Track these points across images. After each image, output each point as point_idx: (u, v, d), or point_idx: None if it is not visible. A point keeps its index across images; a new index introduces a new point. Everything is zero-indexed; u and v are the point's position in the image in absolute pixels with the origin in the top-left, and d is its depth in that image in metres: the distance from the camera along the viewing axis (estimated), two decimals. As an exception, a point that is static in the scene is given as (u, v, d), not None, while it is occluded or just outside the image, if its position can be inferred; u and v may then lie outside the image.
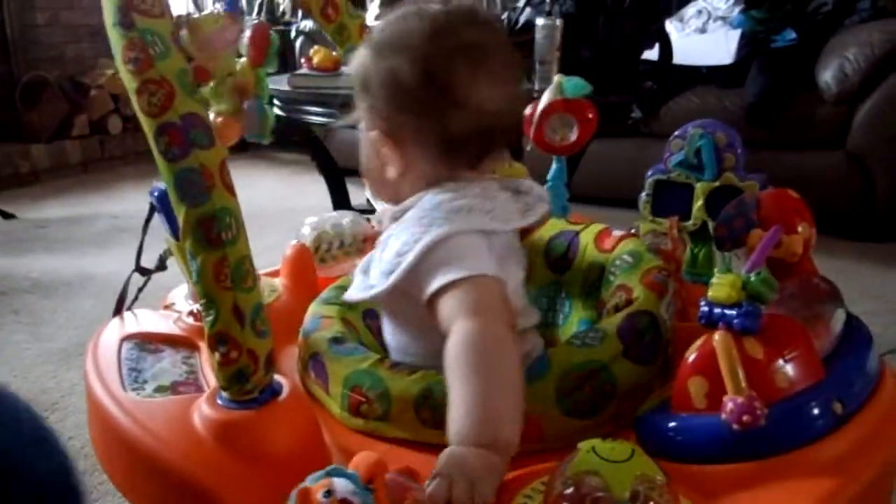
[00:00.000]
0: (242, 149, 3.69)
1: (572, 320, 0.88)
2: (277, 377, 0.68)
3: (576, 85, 1.01)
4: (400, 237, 0.69)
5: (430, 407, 0.66)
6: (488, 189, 0.73)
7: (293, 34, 3.18)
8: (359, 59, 0.75)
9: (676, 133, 0.88)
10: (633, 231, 0.99)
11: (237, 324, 0.61)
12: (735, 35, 2.44)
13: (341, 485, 0.49)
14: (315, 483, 0.49)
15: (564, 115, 1.02)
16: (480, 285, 0.64)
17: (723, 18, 2.55)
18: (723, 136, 0.84)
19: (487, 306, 0.63)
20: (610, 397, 0.67)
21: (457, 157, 0.73)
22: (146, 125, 0.59)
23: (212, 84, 0.81)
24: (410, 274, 0.66)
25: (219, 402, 0.65)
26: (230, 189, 0.60)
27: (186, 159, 0.58)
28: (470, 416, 0.56)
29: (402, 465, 0.62)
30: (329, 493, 0.48)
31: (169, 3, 0.63)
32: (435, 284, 0.65)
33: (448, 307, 0.64)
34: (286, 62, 2.89)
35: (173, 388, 0.73)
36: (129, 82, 0.59)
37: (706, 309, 0.59)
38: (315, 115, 1.96)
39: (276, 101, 2.04)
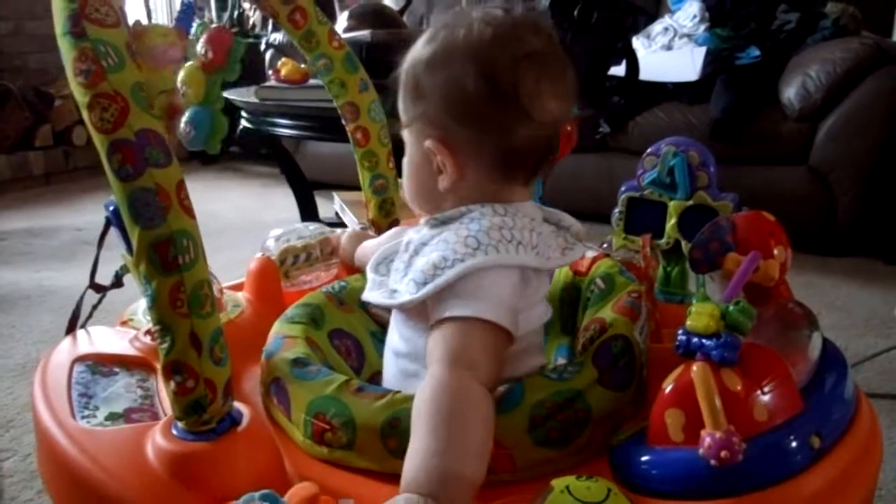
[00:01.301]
0: (212, 161, 3.63)
1: (550, 346, 0.86)
2: (238, 404, 0.65)
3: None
4: (438, 248, 0.65)
5: (397, 436, 0.63)
6: (536, 219, 0.70)
7: (263, 47, 3.13)
8: (411, 63, 0.70)
9: (650, 150, 0.86)
10: (604, 245, 0.98)
11: (194, 352, 0.58)
12: (700, 52, 2.48)
13: None
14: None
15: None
16: (478, 332, 0.62)
17: (688, 36, 2.60)
18: (696, 155, 0.83)
19: (473, 359, 0.60)
20: (584, 425, 0.65)
21: (514, 171, 0.69)
22: (98, 142, 0.56)
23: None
24: (441, 290, 0.63)
25: (174, 432, 0.61)
26: (188, 210, 0.57)
27: (141, 178, 0.55)
28: (424, 467, 0.54)
29: (365, 497, 0.59)
30: None
31: (125, 12, 0.60)
32: (442, 313, 0.63)
33: (437, 342, 0.62)
34: (256, 75, 2.84)
35: (126, 415, 0.69)
36: (80, 96, 0.56)
37: (684, 338, 0.57)
38: (283, 128, 1.94)
39: (243, 113, 2.01)
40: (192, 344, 0.57)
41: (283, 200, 2.73)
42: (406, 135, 0.73)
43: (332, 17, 2.54)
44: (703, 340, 0.56)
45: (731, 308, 0.55)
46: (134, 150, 0.54)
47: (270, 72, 2.02)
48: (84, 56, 0.55)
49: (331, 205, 2.50)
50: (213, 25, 1.01)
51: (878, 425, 0.65)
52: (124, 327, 0.90)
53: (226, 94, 1.81)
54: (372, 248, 0.92)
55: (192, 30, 0.97)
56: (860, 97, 2.15)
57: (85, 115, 0.56)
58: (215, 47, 1.00)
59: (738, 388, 0.55)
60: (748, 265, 0.60)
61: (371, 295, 0.73)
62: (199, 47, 1.00)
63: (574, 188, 2.22)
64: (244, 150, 3.49)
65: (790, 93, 2.23)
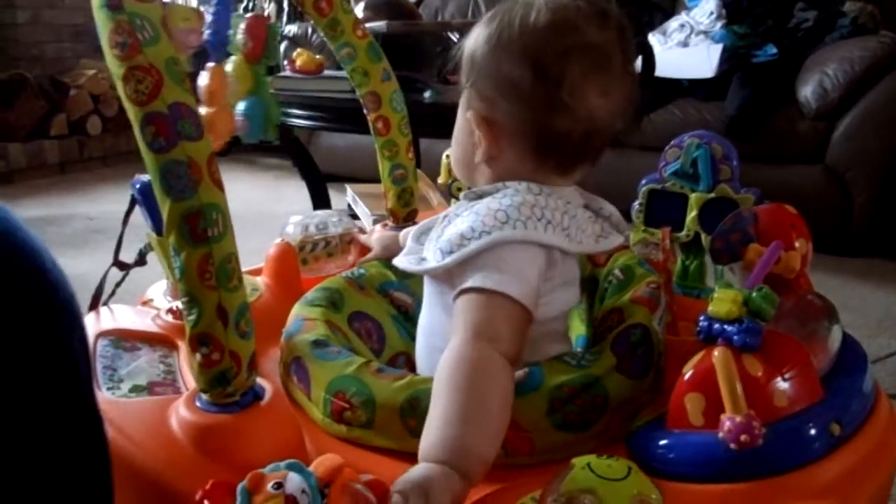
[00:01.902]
0: (224, 152, 3.64)
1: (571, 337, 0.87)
2: (260, 380, 0.66)
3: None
4: (468, 220, 0.67)
5: (417, 416, 0.63)
6: (571, 202, 0.71)
7: (278, 38, 3.15)
8: (474, 33, 0.71)
9: (673, 142, 0.87)
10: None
11: (220, 324, 0.58)
12: (717, 49, 2.46)
13: (294, 481, 0.47)
14: (272, 472, 0.47)
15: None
16: (498, 306, 0.62)
17: (705, 33, 2.58)
18: (719, 148, 0.83)
19: (494, 331, 0.61)
20: (601, 411, 0.65)
21: (550, 159, 0.70)
22: (132, 114, 0.56)
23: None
24: (465, 261, 0.65)
25: (198, 404, 0.62)
26: (218, 184, 0.58)
27: (173, 151, 0.55)
28: (444, 435, 0.55)
29: (383, 475, 0.60)
30: (279, 485, 0.46)
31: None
32: (464, 283, 0.64)
33: (459, 313, 0.63)
34: (271, 67, 2.85)
35: (150, 388, 0.70)
36: (115, 68, 0.56)
37: (705, 324, 0.57)
38: (297, 118, 1.95)
39: None
40: (219, 316, 0.58)
41: (295, 192, 2.74)
42: (461, 101, 0.74)
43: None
44: (725, 326, 0.56)
45: (754, 294, 0.56)
46: (167, 123, 0.55)
47: (285, 62, 2.03)
48: (120, 29, 0.56)
49: (343, 197, 2.52)
50: (248, 15, 1.02)
51: (896, 418, 0.65)
52: (145, 307, 0.91)
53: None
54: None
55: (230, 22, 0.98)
56: (878, 96, 2.13)
57: (119, 87, 0.56)
58: (254, 36, 1.01)
59: (759, 373, 0.55)
60: (771, 254, 0.60)
61: (401, 260, 0.74)
62: (240, 38, 1.01)
63: (587, 183, 2.22)
64: (257, 141, 3.50)
65: (807, 91, 2.21)
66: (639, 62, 2.35)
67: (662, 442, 0.59)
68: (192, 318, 0.58)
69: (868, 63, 2.15)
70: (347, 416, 0.67)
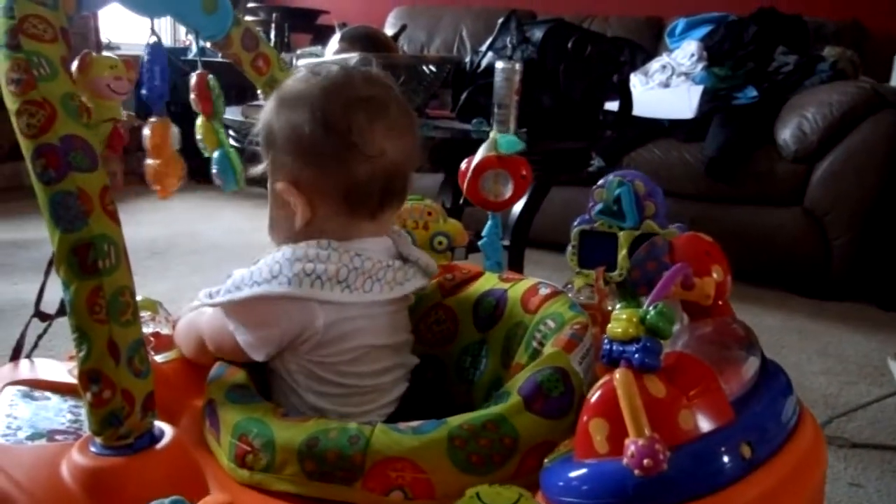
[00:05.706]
0: (208, 180, 3.61)
1: (485, 378, 0.85)
2: (162, 424, 0.64)
3: (509, 142, 1.01)
4: (250, 269, 0.73)
5: (315, 457, 0.62)
6: (368, 253, 0.74)
7: (218, 91, 3.16)
8: (263, 115, 0.78)
9: (599, 183, 0.87)
10: (567, 287, 0.97)
11: (111, 360, 0.57)
12: (697, 91, 2.48)
13: None
14: None
15: (499, 171, 1.01)
16: (220, 330, 0.75)
17: (686, 74, 2.61)
18: (641, 185, 0.83)
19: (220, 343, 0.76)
20: (510, 452, 0.63)
21: (358, 206, 0.75)
22: (24, 147, 0.56)
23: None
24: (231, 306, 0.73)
25: (91, 449, 0.60)
26: (112, 216, 0.57)
27: (63, 182, 0.55)
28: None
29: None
30: None
31: (67, 31, 0.62)
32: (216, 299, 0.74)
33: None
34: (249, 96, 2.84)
35: (49, 435, 0.68)
36: (10, 104, 0.57)
37: (607, 347, 0.56)
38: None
39: (230, 132, 2.00)
40: (110, 352, 0.57)
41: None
42: (268, 175, 0.80)
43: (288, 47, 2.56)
44: (625, 347, 0.54)
45: (650, 312, 0.55)
46: (57, 155, 0.55)
47: (259, 90, 2.02)
48: (17, 66, 0.57)
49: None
50: (195, 73, 1.05)
51: (823, 444, 0.63)
52: (72, 361, 0.88)
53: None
54: None
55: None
56: (857, 140, 2.15)
57: (14, 122, 0.57)
58: (200, 94, 1.04)
59: (662, 395, 0.53)
60: (673, 273, 0.60)
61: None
62: (192, 98, 1.04)
63: (569, 221, 2.21)
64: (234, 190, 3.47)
65: (786, 134, 2.22)
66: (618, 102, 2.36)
67: (571, 475, 0.56)
68: (82, 354, 0.57)
69: (847, 107, 2.16)
70: (249, 460, 0.65)
